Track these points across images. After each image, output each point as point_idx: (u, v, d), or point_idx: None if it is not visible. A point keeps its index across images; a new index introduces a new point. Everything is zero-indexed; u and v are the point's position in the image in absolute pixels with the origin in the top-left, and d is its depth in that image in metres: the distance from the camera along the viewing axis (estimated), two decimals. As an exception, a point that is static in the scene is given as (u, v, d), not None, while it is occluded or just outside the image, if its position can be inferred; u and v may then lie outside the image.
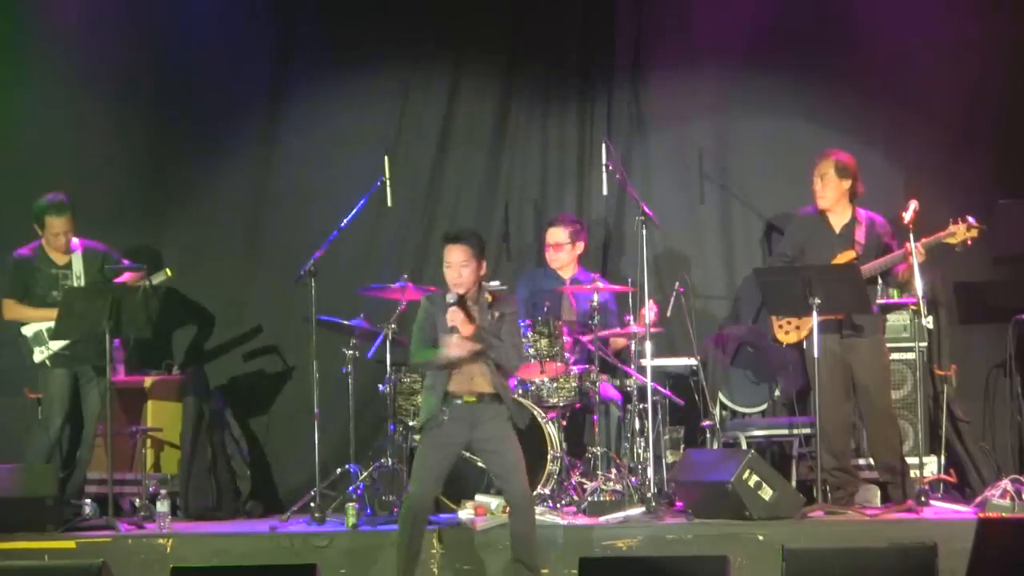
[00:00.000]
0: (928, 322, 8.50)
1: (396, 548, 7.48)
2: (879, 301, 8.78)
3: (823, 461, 8.49)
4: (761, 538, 7.79)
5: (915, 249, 8.32)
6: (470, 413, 7.44)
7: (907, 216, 8.40)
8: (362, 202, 9.01)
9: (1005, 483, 8.29)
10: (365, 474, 8.80)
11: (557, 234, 9.41)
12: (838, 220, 8.70)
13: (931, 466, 9.05)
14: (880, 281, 8.70)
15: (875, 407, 8.60)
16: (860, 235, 8.62)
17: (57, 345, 8.90)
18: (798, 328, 8.64)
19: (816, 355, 8.29)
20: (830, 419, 8.52)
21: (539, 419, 8.61)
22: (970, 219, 8.46)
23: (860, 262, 8.52)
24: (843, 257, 8.58)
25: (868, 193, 8.79)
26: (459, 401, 7.44)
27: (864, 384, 8.59)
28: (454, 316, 7.32)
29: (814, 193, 8.70)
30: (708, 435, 9.22)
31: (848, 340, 8.57)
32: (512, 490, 7.44)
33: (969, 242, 8.48)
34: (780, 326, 8.72)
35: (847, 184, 8.65)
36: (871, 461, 8.91)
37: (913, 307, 8.59)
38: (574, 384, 8.86)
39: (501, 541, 7.80)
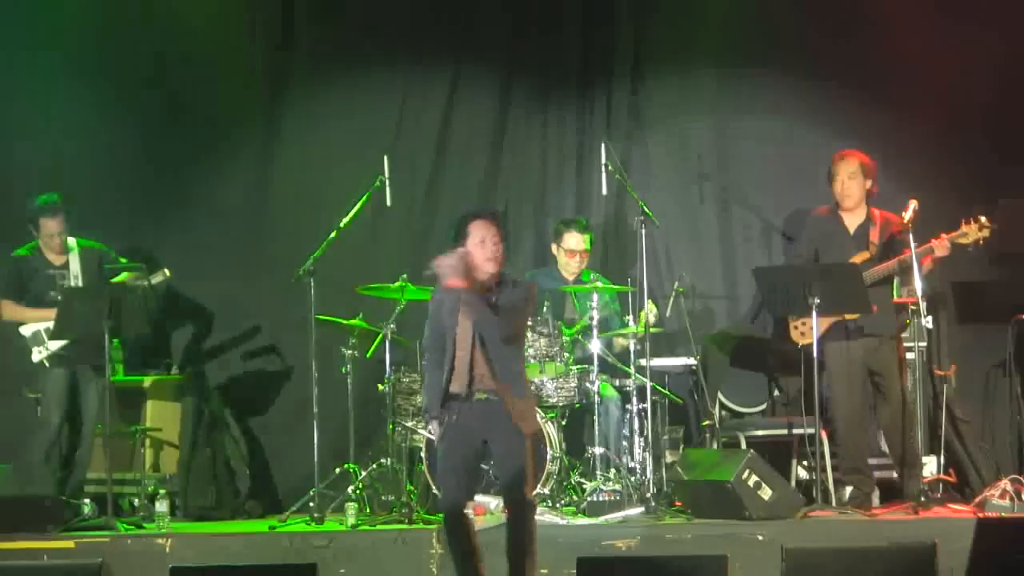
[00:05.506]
0: (928, 322, 8.46)
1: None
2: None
3: (840, 463, 8.49)
4: (761, 538, 7.78)
5: (940, 244, 8.33)
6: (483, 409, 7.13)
7: (907, 216, 8.39)
8: (362, 202, 9.01)
9: (1005, 483, 8.29)
10: (364, 474, 8.80)
11: (583, 241, 9.32)
12: (853, 220, 8.67)
13: (931, 466, 9.04)
14: (896, 281, 8.63)
15: (894, 405, 8.55)
16: (875, 235, 8.57)
17: (55, 345, 8.89)
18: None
19: (813, 356, 8.29)
20: (848, 420, 8.53)
21: (538, 419, 8.59)
22: (982, 219, 8.43)
23: (874, 262, 8.49)
24: (859, 258, 8.54)
25: (866, 194, 8.81)
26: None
27: (883, 382, 8.55)
28: None
29: (835, 193, 8.68)
30: (707, 435, 9.22)
31: (865, 340, 8.54)
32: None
33: (981, 242, 8.45)
34: (795, 327, 8.67)
35: (868, 184, 8.66)
36: (881, 461, 8.92)
37: (913, 307, 8.56)
38: (574, 384, 8.85)
39: (500, 541, 7.77)
